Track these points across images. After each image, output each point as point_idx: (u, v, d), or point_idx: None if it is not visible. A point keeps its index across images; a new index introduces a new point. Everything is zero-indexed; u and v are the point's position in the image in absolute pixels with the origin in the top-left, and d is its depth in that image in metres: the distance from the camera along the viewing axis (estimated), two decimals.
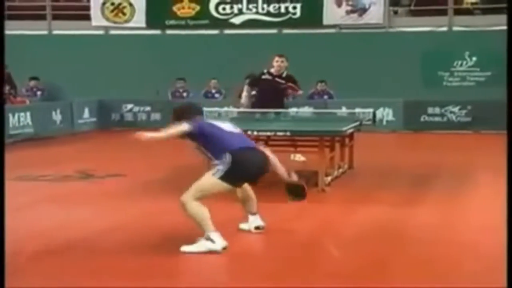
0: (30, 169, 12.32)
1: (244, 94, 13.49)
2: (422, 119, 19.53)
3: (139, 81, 20.71)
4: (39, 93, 21.61)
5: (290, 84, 13.20)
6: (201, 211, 6.89)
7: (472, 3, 21.57)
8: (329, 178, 10.54)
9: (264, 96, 13.03)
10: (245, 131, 10.21)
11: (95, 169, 12.26)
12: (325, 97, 20.25)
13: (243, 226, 7.78)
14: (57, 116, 18.67)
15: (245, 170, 7.05)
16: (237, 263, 6.76)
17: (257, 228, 7.68)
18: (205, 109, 13.07)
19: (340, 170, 11.57)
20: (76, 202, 9.71)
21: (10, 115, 16.69)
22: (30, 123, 17.42)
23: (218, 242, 6.83)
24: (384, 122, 19.13)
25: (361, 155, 12.68)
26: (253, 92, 13.41)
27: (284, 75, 13.12)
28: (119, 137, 18.85)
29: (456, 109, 19.33)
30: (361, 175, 11.94)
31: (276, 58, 13.16)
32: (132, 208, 9.15)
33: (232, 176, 6.97)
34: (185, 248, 6.85)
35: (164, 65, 20.88)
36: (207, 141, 7.09)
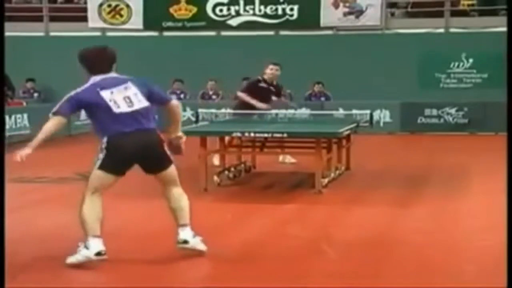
0: (27, 170, 12.25)
1: (254, 101, 13.11)
2: (419, 121, 19.56)
3: None
4: (36, 94, 21.62)
5: (283, 99, 13.32)
6: (95, 212, 6.37)
7: (469, 5, 21.60)
8: (326, 180, 10.55)
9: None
10: (242, 132, 10.32)
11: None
12: (322, 98, 20.28)
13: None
14: None
15: (120, 156, 6.29)
16: (233, 264, 6.76)
17: (179, 241, 6.60)
18: (202, 110, 13.19)
19: (337, 172, 11.57)
20: (74, 203, 9.63)
21: (7, 117, 16.68)
22: (27, 124, 17.42)
23: (92, 248, 6.23)
24: (381, 124, 19.15)
25: (358, 157, 12.70)
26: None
27: (275, 83, 13.07)
28: None
29: (453, 111, 19.35)
30: (358, 177, 11.96)
31: (271, 66, 13.02)
32: (130, 209, 9.15)
33: (109, 164, 6.30)
34: (69, 260, 6.32)
35: (161, 67, 20.87)
36: (93, 119, 6.45)
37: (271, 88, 12.96)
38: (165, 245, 7.06)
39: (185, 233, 6.56)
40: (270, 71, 12.96)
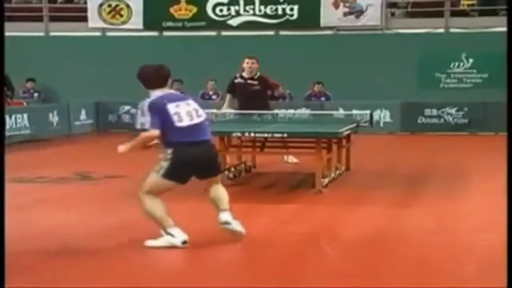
0: (27, 170, 12.31)
1: (225, 105, 13.18)
2: (419, 121, 19.55)
3: (136, 83, 20.61)
4: (36, 94, 21.62)
5: (275, 83, 13.15)
6: (154, 208, 6.89)
7: (469, 5, 21.59)
8: (326, 180, 10.55)
9: (242, 100, 12.83)
10: (242, 132, 10.32)
11: (93, 170, 12.27)
12: (322, 98, 20.27)
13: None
14: (54, 118, 18.65)
15: (185, 165, 6.88)
16: (234, 264, 6.76)
17: (223, 223, 7.21)
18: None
19: (337, 172, 11.57)
20: (73, 203, 9.71)
21: (7, 117, 16.67)
22: (27, 124, 17.41)
23: (178, 237, 6.88)
24: (381, 124, 19.15)
25: (358, 157, 12.70)
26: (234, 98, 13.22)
27: (256, 76, 12.89)
28: (116, 138, 18.81)
29: (453, 111, 19.35)
30: (358, 177, 11.96)
31: (246, 60, 12.89)
32: (130, 210, 9.12)
33: (173, 172, 6.86)
34: (149, 243, 6.96)
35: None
36: (161, 133, 6.89)
37: (250, 81, 12.82)
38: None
39: (226, 216, 7.14)
40: (246, 65, 12.85)
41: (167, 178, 6.89)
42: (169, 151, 6.83)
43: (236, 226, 7.19)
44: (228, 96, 13.26)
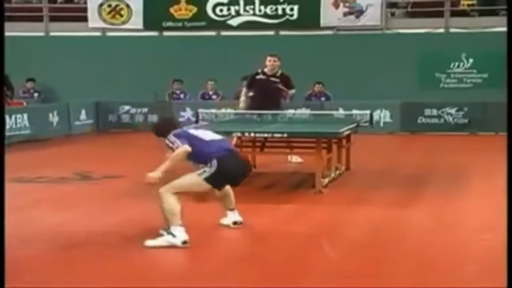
0: (27, 170, 12.31)
1: (242, 98, 13.48)
2: (419, 121, 19.54)
3: (136, 83, 20.71)
4: (36, 94, 21.62)
5: (281, 86, 13.25)
6: (176, 206, 7.10)
7: (469, 5, 21.58)
8: (326, 180, 10.55)
9: (260, 96, 13.04)
10: (242, 132, 10.32)
11: (93, 170, 12.26)
12: (323, 98, 20.27)
13: (223, 221, 7.98)
14: (54, 118, 18.64)
15: (230, 174, 7.42)
16: (234, 264, 6.76)
17: (235, 223, 7.87)
18: (202, 110, 13.18)
19: (337, 172, 11.57)
20: (73, 203, 9.71)
21: (7, 117, 16.66)
22: (27, 124, 17.40)
23: (179, 236, 7.01)
24: (381, 124, 19.14)
25: (358, 157, 12.70)
26: (250, 94, 13.40)
27: (278, 74, 13.13)
28: (116, 138, 18.89)
29: (453, 111, 19.34)
30: (358, 177, 11.96)
31: (269, 58, 13.19)
32: (129, 210, 9.15)
33: (217, 179, 7.34)
34: (149, 243, 7.06)
35: (161, 67, 20.87)
36: (193, 152, 7.28)
37: (272, 79, 13.02)
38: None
39: (235, 216, 7.87)
40: (269, 62, 13.16)
41: (208, 182, 7.31)
42: (214, 161, 7.25)
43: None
44: (245, 90, 13.49)
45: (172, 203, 7.09)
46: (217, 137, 7.68)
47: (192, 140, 7.32)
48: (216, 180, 7.33)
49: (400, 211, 9.12)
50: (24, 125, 17.33)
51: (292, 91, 13.78)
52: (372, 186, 11.01)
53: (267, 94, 12.94)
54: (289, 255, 7.00)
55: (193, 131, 7.61)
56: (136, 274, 6.29)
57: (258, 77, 13.14)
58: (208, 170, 7.24)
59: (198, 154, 7.29)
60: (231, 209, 7.89)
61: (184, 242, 7.00)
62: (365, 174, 12.25)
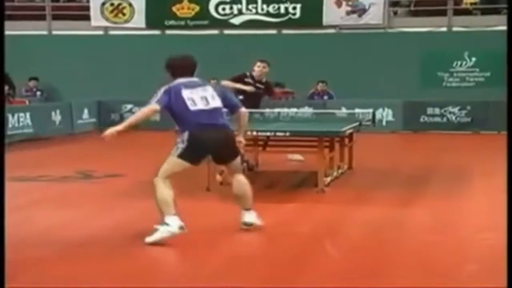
0: (29, 169, 12.32)
1: (228, 83, 13.10)
2: (421, 120, 19.54)
3: (138, 82, 20.68)
4: (38, 93, 21.63)
5: (284, 90, 13.19)
6: (167, 194, 7.07)
7: (472, 4, 21.57)
8: (328, 179, 10.54)
9: (246, 99, 12.81)
10: (244, 131, 10.29)
11: (95, 169, 12.27)
12: (325, 97, 20.26)
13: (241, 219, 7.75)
14: (56, 117, 18.66)
15: (201, 147, 7.19)
16: (236, 263, 6.76)
17: (245, 223, 7.65)
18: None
19: (340, 171, 11.57)
20: (75, 202, 9.71)
21: (10, 116, 16.68)
22: (29, 123, 17.41)
23: (174, 224, 6.99)
24: (384, 123, 19.14)
25: (361, 156, 12.68)
26: (240, 97, 13.15)
27: (263, 80, 12.95)
28: (118, 137, 18.85)
29: (455, 110, 19.33)
30: (360, 176, 11.95)
31: (258, 64, 12.97)
32: (131, 208, 9.15)
33: (189, 154, 7.16)
34: (148, 239, 7.04)
35: (163, 66, 20.83)
36: (174, 116, 7.23)
37: (258, 85, 12.88)
38: (165, 244, 7.06)
39: (251, 216, 7.61)
40: (258, 68, 12.91)
41: (182, 159, 7.15)
42: (186, 133, 7.12)
43: (257, 222, 7.66)
44: (230, 82, 13.18)
45: (163, 191, 7.07)
46: (209, 106, 7.25)
47: (178, 102, 7.17)
48: (189, 155, 7.15)
49: (402, 210, 9.11)
50: (27, 124, 17.34)
51: (277, 91, 13.75)
52: (374, 185, 11.00)
53: (249, 97, 12.51)
54: (290, 254, 6.98)
55: (187, 93, 7.24)
56: (137, 274, 6.28)
57: (246, 79, 12.98)
58: (180, 145, 7.15)
59: (178, 121, 7.22)
60: (246, 209, 7.66)
61: (181, 228, 6.99)
62: (368, 173, 12.24)
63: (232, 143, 7.45)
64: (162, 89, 7.27)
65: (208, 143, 7.18)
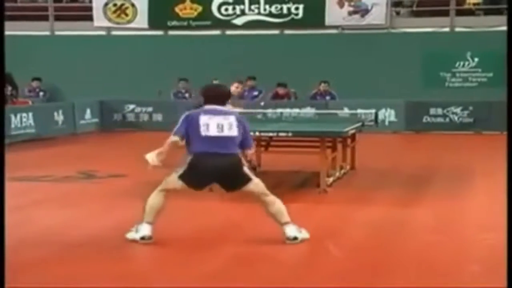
0: (31, 169, 12.33)
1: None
2: (424, 120, 19.52)
3: (141, 82, 20.73)
4: (41, 93, 21.65)
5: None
6: (156, 204, 7.25)
7: (474, 4, 21.55)
8: (330, 179, 10.54)
9: None
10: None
11: (97, 169, 12.28)
12: (328, 97, 20.24)
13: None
14: (59, 117, 18.67)
15: (198, 174, 7.19)
16: (237, 264, 6.76)
17: (288, 239, 7.28)
18: None
19: (342, 171, 11.57)
20: (77, 202, 9.72)
21: (12, 116, 16.70)
22: (32, 123, 17.43)
23: (142, 231, 7.19)
24: (386, 123, 19.12)
25: (363, 156, 12.69)
26: None
27: None
28: (121, 137, 18.90)
29: (458, 110, 19.31)
30: (363, 176, 11.95)
31: (236, 85, 13.15)
32: (132, 209, 9.12)
33: (187, 177, 7.22)
34: (126, 235, 7.31)
35: (166, 66, 20.88)
36: (187, 139, 7.27)
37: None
38: (166, 244, 7.07)
39: (291, 230, 7.27)
40: (236, 89, 13.09)
41: (182, 180, 7.22)
42: (190, 156, 7.18)
43: (304, 236, 7.34)
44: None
45: (154, 199, 7.26)
46: (222, 134, 7.18)
47: (193, 127, 7.19)
48: (188, 179, 7.20)
49: (404, 210, 9.11)
50: (29, 124, 17.36)
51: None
52: (376, 185, 11.00)
53: None
54: (292, 254, 6.99)
55: (205, 119, 7.21)
56: (137, 274, 6.29)
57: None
58: (183, 167, 7.21)
59: (188, 142, 7.25)
60: (284, 223, 7.33)
61: (143, 238, 7.16)
62: (370, 173, 12.23)
63: (238, 170, 7.24)
64: (183, 116, 7.31)
65: (208, 170, 7.14)
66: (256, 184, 7.28)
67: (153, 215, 7.21)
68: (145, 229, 7.16)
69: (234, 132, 7.21)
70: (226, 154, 7.16)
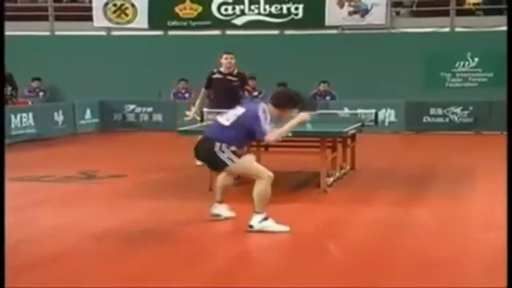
0: (32, 169, 12.33)
1: (198, 100, 13.02)
2: (424, 120, 19.52)
3: (141, 82, 20.72)
4: (41, 93, 21.65)
5: (246, 87, 13.03)
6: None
7: (474, 4, 21.55)
8: (331, 179, 10.54)
9: (219, 97, 12.55)
10: None
11: (97, 169, 12.27)
12: (328, 97, 20.25)
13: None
14: (59, 117, 18.68)
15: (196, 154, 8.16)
16: (237, 264, 6.76)
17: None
18: (207, 110, 13.14)
19: (342, 171, 11.56)
20: (78, 202, 9.72)
21: (12, 116, 16.71)
22: (32, 123, 17.43)
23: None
24: (386, 123, 19.11)
25: (363, 156, 12.69)
26: (211, 96, 12.97)
27: (234, 72, 12.84)
28: (121, 137, 18.91)
29: (458, 110, 19.32)
30: (363, 176, 11.95)
31: (225, 56, 12.84)
32: (134, 209, 9.16)
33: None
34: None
35: (166, 66, 20.87)
36: None
37: (229, 77, 12.74)
38: (165, 245, 7.07)
39: (254, 219, 7.71)
40: (225, 60, 12.79)
41: None
42: None
43: (264, 227, 7.70)
44: (203, 91, 13.12)
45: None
46: (221, 121, 7.93)
47: None
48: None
49: (404, 210, 9.11)
50: (29, 124, 17.36)
51: (255, 94, 13.63)
52: (376, 186, 11.00)
53: (226, 94, 12.44)
54: (292, 254, 6.99)
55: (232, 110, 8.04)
56: (138, 274, 6.29)
57: (214, 76, 12.81)
58: None
59: None
60: (255, 212, 7.78)
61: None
62: (370, 173, 12.24)
63: (211, 154, 7.74)
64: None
65: (196, 152, 8.10)
66: (236, 166, 7.77)
67: (219, 194, 8.19)
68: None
69: (226, 122, 7.83)
70: (207, 138, 7.91)
